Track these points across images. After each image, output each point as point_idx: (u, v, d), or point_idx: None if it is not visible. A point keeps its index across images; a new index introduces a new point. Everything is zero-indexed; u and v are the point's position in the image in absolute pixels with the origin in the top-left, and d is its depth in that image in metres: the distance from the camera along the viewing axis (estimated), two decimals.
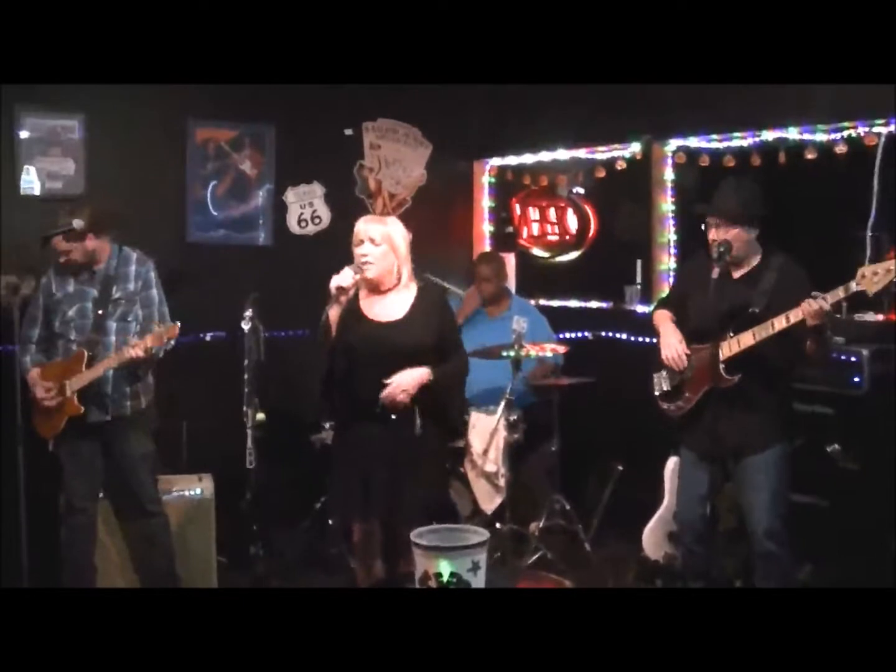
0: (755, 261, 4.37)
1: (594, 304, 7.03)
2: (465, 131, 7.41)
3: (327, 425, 5.69)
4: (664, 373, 4.56)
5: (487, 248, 7.52)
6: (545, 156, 7.17)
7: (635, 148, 6.52)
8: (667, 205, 6.47)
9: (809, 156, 5.51)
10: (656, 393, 4.61)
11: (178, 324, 4.66)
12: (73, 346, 4.80)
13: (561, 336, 6.70)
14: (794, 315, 3.97)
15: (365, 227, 4.31)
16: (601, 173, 6.82)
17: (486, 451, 5.87)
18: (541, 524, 5.99)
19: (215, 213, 6.55)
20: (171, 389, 5.22)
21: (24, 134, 5.83)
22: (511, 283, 7.06)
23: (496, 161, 7.60)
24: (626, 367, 4.91)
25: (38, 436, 4.84)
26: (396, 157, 7.26)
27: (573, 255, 7.27)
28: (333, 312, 4.23)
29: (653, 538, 5.36)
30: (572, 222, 7.18)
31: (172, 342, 4.72)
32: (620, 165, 6.62)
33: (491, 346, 5.76)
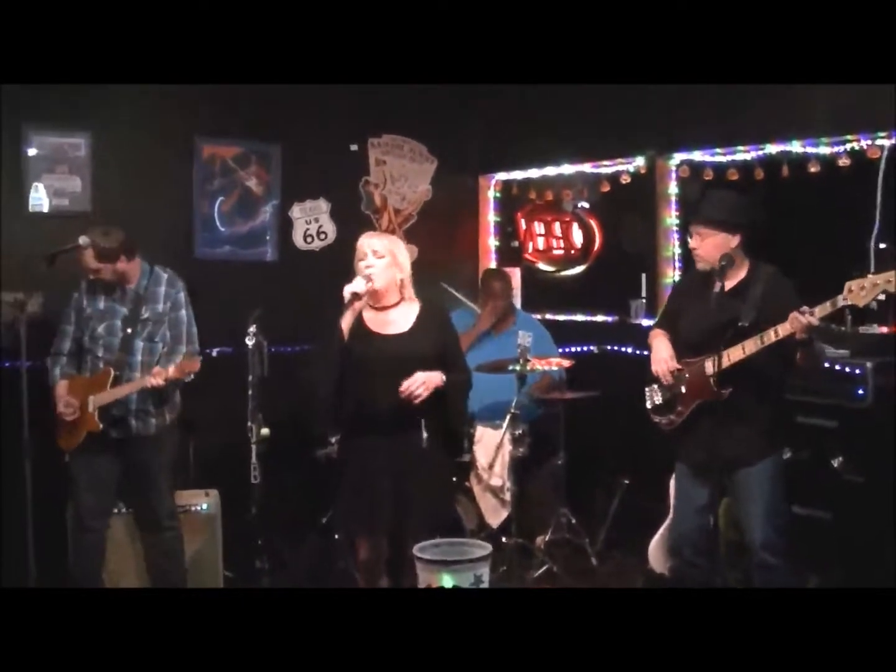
0: (743, 273, 4.40)
1: (599, 318, 7.03)
2: (470, 146, 7.44)
3: (333, 440, 5.63)
4: (655, 387, 4.62)
5: (493, 263, 7.55)
6: (550, 170, 7.20)
7: (640, 162, 6.54)
8: (671, 218, 6.45)
9: (813, 169, 5.52)
10: (648, 406, 4.66)
11: (200, 358, 4.74)
12: (100, 362, 4.85)
13: (566, 350, 6.72)
14: (783, 329, 4.00)
15: (367, 241, 4.33)
16: (606, 187, 6.84)
17: (491, 465, 5.87)
18: (547, 538, 6.01)
19: (222, 230, 6.56)
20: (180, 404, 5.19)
21: (31, 151, 5.85)
22: (517, 298, 7.07)
23: (501, 176, 7.61)
24: (632, 380, 4.90)
25: (53, 447, 4.85)
26: (402, 172, 7.29)
27: (578, 269, 7.28)
28: (346, 319, 4.23)
29: (659, 551, 5.35)
30: (577, 236, 7.19)
31: (192, 376, 4.75)
32: (625, 179, 6.64)
33: (496, 360, 5.76)
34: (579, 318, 7.16)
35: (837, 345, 5.14)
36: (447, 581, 3.81)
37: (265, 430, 5.23)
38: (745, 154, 5.90)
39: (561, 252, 7.35)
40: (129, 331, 4.84)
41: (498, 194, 7.69)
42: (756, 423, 4.32)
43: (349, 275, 4.29)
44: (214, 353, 5.86)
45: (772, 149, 5.73)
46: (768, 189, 5.75)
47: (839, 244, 5.32)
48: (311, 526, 5.92)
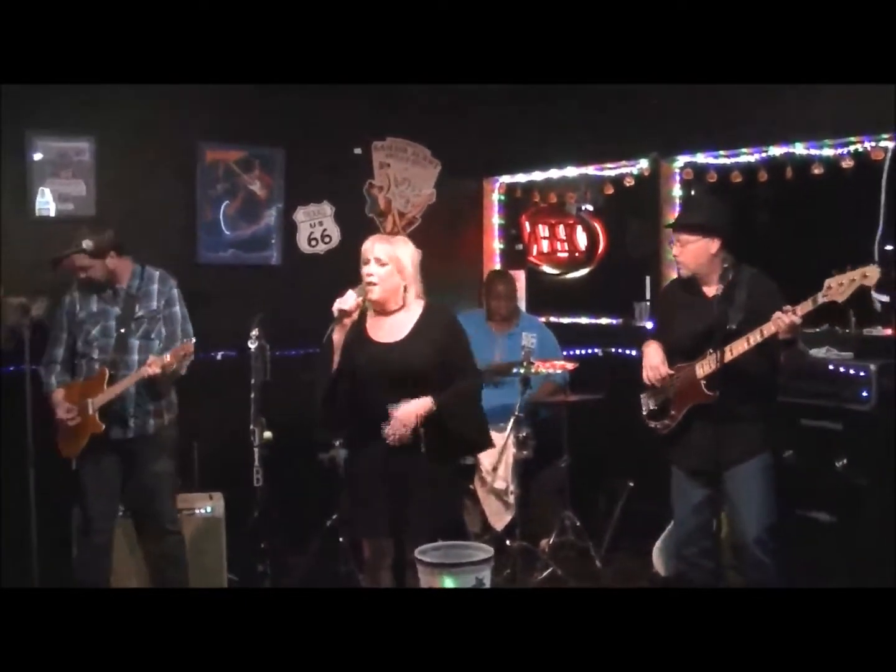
0: (728, 277, 4.41)
1: (604, 321, 7.03)
2: (474, 149, 7.40)
3: (336, 443, 5.68)
4: (649, 393, 4.67)
5: (497, 266, 7.54)
6: (554, 173, 7.21)
7: (643, 164, 6.54)
8: None
9: (816, 171, 5.52)
10: (643, 413, 4.71)
11: (194, 340, 4.72)
12: (95, 364, 4.83)
13: (571, 352, 6.71)
14: (767, 329, 4.07)
15: (372, 246, 4.26)
16: (609, 190, 6.86)
17: (495, 468, 5.86)
18: (551, 541, 6.00)
19: (226, 233, 6.57)
20: (184, 408, 5.19)
21: (36, 156, 5.86)
22: (521, 301, 7.07)
23: (505, 178, 7.61)
24: (636, 383, 4.90)
25: (59, 456, 4.85)
26: (406, 175, 7.29)
27: (582, 271, 7.30)
28: (336, 336, 4.19)
29: (663, 554, 5.37)
30: (581, 239, 7.21)
31: (191, 358, 4.74)
32: (629, 182, 6.65)
33: (500, 363, 5.75)
34: (583, 320, 7.16)
35: (841, 347, 5.16)
36: (448, 584, 3.80)
37: (268, 434, 5.25)
38: (748, 156, 5.90)
39: (565, 255, 7.36)
40: (122, 330, 4.83)
41: (502, 197, 7.69)
42: (746, 423, 4.37)
43: (354, 278, 4.26)
44: (219, 357, 5.87)
45: (775, 151, 5.73)
46: (770, 191, 5.78)
47: (843, 246, 5.27)
48: (314, 529, 5.89)
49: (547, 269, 7.53)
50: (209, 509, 5.45)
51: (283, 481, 5.67)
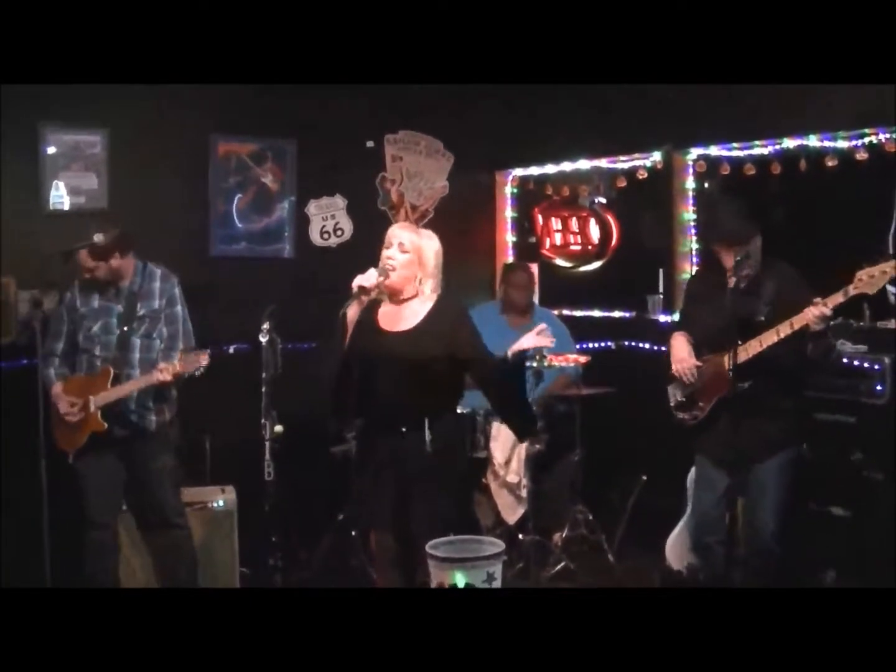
0: (756, 269, 4.43)
1: (617, 314, 7.03)
2: (487, 142, 7.39)
3: (349, 436, 5.68)
4: (677, 384, 4.68)
5: (510, 259, 7.52)
6: (566, 166, 7.19)
7: (656, 157, 6.54)
8: (688, 214, 6.45)
9: (830, 163, 5.49)
10: (671, 404, 4.74)
11: (209, 352, 4.69)
12: (97, 361, 4.82)
13: (584, 346, 6.70)
14: (798, 321, 4.09)
15: (398, 231, 4.28)
16: (622, 183, 6.86)
17: (507, 462, 5.86)
18: (564, 535, 6.00)
19: (238, 226, 6.57)
20: (196, 401, 5.22)
21: (49, 150, 5.87)
22: (534, 294, 7.01)
23: (518, 171, 7.60)
24: (649, 376, 4.90)
25: (56, 448, 4.83)
26: (418, 168, 7.29)
27: (595, 264, 7.27)
28: (352, 311, 4.16)
29: (676, 548, 5.32)
30: (594, 232, 7.18)
31: (200, 371, 4.71)
32: (641, 175, 6.64)
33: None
34: (596, 313, 7.16)
35: (856, 340, 5.13)
36: (459, 579, 3.78)
37: (279, 427, 5.20)
38: (762, 148, 5.87)
39: (578, 248, 7.33)
40: (125, 328, 4.81)
41: (515, 190, 7.67)
42: (773, 417, 4.41)
43: (366, 270, 4.22)
44: (231, 350, 5.83)
45: (789, 143, 5.71)
46: (785, 183, 5.73)
47: (857, 239, 5.26)
48: (326, 523, 5.91)
49: (560, 262, 7.51)
50: (221, 503, 5.45)
51: (294, 475, 5.56)
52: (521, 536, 5.76)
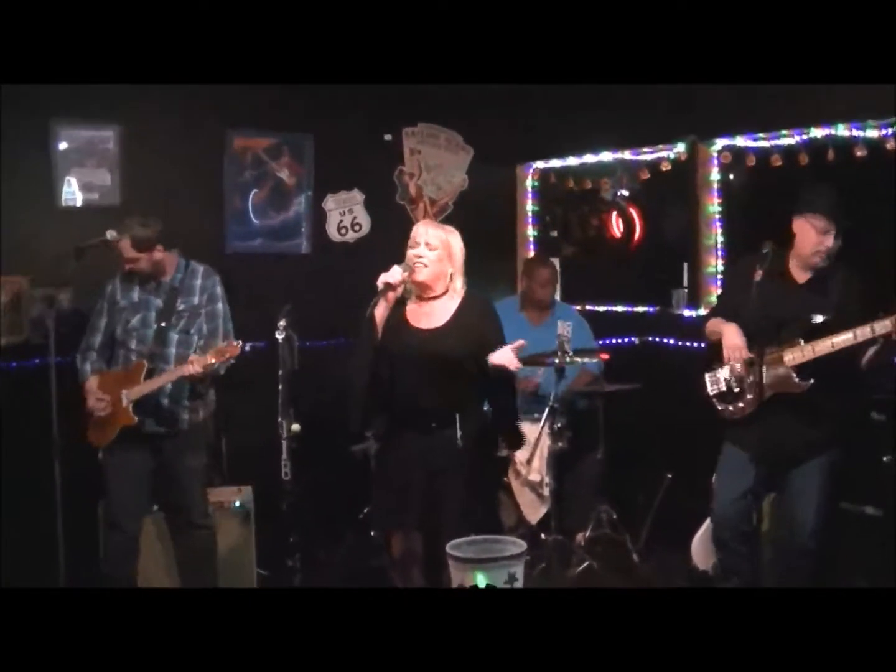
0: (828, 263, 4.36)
1: (640, 309, 7.00)
2: (507, 135, 7.33)
3: (369, 434, 5.61)
4: (720, 373, 4.53)
5: (532, 254, 7.48)
6: (588, 158, 7.16)
7: (680, 148, 6.48)
8: (713, 206, 6.39)
9: (859, 153, 5.40)
10: (711, 393, 4.57)
11: (240, 343, 4.64)
12: (132, 355, 4.80)
13: (606, 342, 6.70)
14: (882, 327, 3.98)
15: (424, 230, 4.27)
16: (645, 175, 6.81)
17: (529, 461, 5.81)
18: (587, 534, 5.97)
19: (255, 222, 6.55)
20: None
21: (61, 146, 5.83)
22: (556, 289, 6.94)
23: (539, 164, 7.54)
24: (674, 372, 4.83)
25: (84, 446, 4.81)
26: (437, 162, 7.24)
27: (618, 259, 7.18)
28: (379, 311, 4.18)
29: (702, 548, 5.25)
30: (617, 226, 7.11)
31: (233, 360, 4.68)
32: (665, 167, 6.57)
33: (535, 353, 5.67)
34: (619, 308, 7.13)
35: None
36: (480, 579, 3.80)
37: (296, 426, 5.22)
38: (788, 138, 5.78)
39: (600, 242, 7.24)
40: (163, 324, 4.79)
41: (536, 183, 7.61)
42: (826, 418, 4.32)
43: (384, 267, 4.22)
44: (248, 348, 5.79)
45: (816, 133, 5.62)
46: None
47: (887, 232, 5.16)
48: (346, 523, 5.89)
49: (582, 256, 7.44)
50: (238, 503, 5.42)
51: (312, 474, 5.63)
52: (543, 536, 5.72)
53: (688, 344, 6.31)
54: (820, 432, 4.33)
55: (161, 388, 4.73)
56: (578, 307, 6.86)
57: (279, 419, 5.15)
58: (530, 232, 7.62)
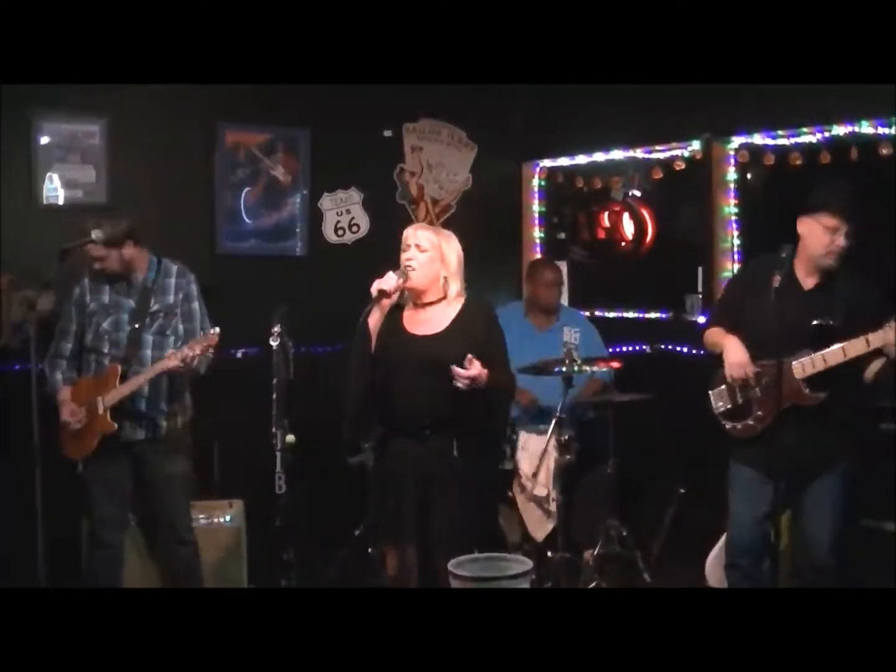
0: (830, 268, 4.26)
1: (652, 315, 6.95)
2: (513, 131, 7.31)
3: (367, 446, 5.54)
4: (725, 390, 4.43)
5: (538, 256, 7.41)
6: (598, 157, 7.10)
7: (695, 146, 6.42)
8: (729, 207, 6.31)
9: (884, 151, 5.36)
10: (718, 411, 4.47)
11: (218, 330, 4.59)
12: (106, 360, 4.72)
13: (617, 349, 6.66)
14: None
15: (413, 232, 4.25)
16: (658, 174, 6.77)
17: (535, 474, 5.69)
18: (596, 552, 5.81)
19: (247, 222, 6.48)
20: (202, 409, 5.13)
21: (42, 140, 5.72)
22: (563, 294, 6.89)
23: (546, 163, 7.48)
24: (687, 382, 4.74)
25: (65, 457, 4.75)
26: (439, 159, 7.16)
27: (629, 262, 7.12)
28: (374, 319, 4.17)
29: (717, 567, 5.05)
30: (628, 227, 7.05)
31: (212, 352, 4.60)
32: (679, 166, 6.53)
33: (541, 360, 5.63)
34: (630, 314, 7.07)
35: None
36: None
37: (291, 437, 5.10)
38: (809, 136, 5.73)
39: (610, 244, 7.18)
40: (136, 325, 4.71)
41: (542, 183, 7.54)
42: (841, 428, 4.24)
43: (384, 269, 4.19)
44: (239, 355, 5.89)
45: (839, 130, 5.54)
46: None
47: None
48: (341, 539, 5.81)
49: (591, 259, 7.38)
50: (229, 518, 5.37)
51: (307, 488, 5.51)
52: (549, 554, 5.61)
53: (702, 352, 6.13)
54: (832, 442, 4.23)
55: (138, 391, 4.65)
56: (587, 313, 6.83)
57: (273, 430, 5.00)
58: (537, 233, 7.58)
